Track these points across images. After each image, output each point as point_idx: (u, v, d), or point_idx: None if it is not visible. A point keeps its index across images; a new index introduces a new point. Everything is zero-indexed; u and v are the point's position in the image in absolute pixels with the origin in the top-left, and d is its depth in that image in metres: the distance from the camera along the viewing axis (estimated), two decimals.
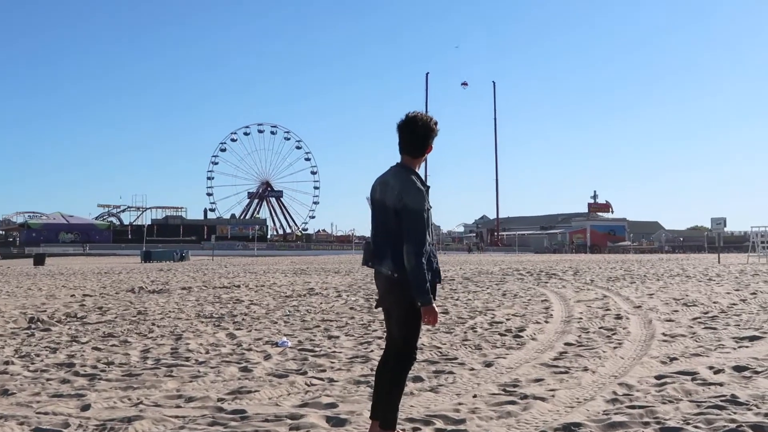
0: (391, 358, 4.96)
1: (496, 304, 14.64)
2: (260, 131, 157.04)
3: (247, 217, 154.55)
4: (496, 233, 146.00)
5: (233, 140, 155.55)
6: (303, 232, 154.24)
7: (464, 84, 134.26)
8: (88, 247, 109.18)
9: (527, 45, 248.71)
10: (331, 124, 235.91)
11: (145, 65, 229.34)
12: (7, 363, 8.41)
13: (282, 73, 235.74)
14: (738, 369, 7.14)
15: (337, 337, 10.26)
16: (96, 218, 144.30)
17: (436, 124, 4.88)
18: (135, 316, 13.42)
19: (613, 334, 9.90)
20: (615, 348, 8.69)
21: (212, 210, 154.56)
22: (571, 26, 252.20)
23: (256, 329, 11.30)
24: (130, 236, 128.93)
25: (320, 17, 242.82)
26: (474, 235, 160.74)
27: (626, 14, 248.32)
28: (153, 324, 12.18)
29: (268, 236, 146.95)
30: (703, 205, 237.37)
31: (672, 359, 7.83)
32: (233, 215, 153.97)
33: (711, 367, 7.26)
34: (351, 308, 14.24)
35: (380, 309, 5.13)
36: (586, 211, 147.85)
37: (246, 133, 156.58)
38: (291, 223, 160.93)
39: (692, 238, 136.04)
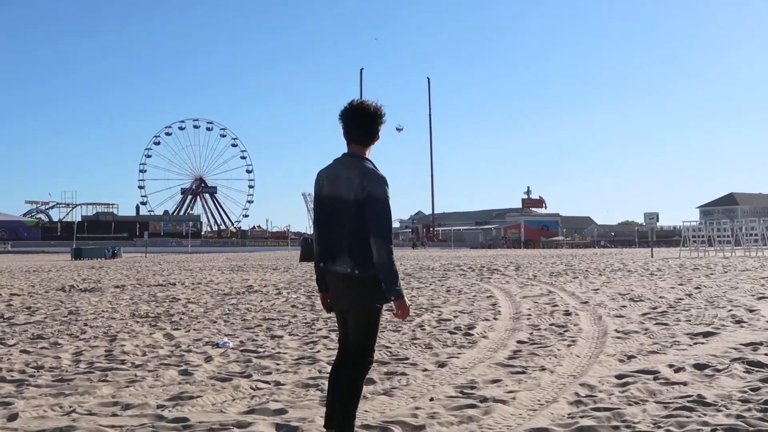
0: (347, 362, 4.62)
1: (441, 300, 14.37)
2: (195, 126, 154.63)
3: (180, 214, 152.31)
4: (431, 229, 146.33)
5: (168, 134, 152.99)
6: (238, 229, 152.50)
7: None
8: (10, 244, 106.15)
9: (462, 42, 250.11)
10: (266, 119, 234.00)
11: (76, 58, 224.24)
12: None
13: (217, 70, 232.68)
14: (698, 367, 6.95)
15: (281, 336, 9.85)
16: (24, 215, 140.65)
17: (383, 110, 4.60)
18: (66, 317, 12.80)
19: (565, 330, 9.69)
20: (569, 346, 8.47)
21: (144, 203, 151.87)
22: (505, 24, 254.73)
23: (194, 329, 10.82)
24: (59, 233, 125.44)
25: (257, 17, 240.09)
26: (410, 230, 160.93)
27: (557, 14, 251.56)
28: (85, 324, 11.61)
29: (203, 233, 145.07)
30: (633, 201, 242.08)
31: (629, 357, 7.62)
32: (166, 211, 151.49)
33: (671, 365, 7.06)
34: (293, 306, 13.82)
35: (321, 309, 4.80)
36: (520, 206, 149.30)
37: (181, 128, 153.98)
38: (226, 220, 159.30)
39: (623, 232, 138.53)
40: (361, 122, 4.56)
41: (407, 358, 7.89)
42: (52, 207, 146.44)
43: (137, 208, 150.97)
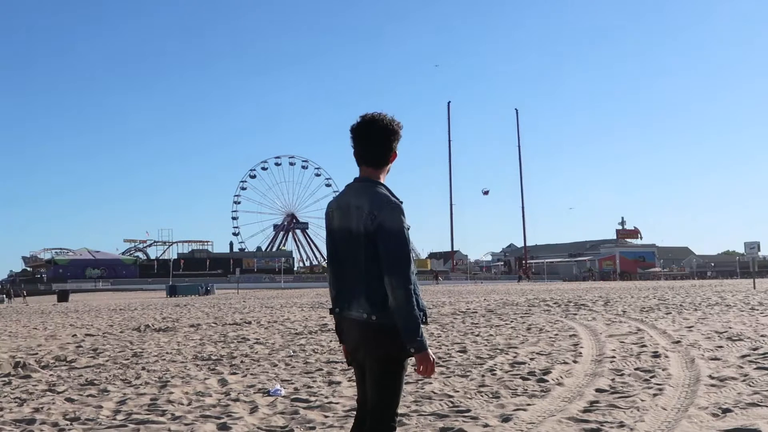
0: (365, 427, 3.84)
1: (519, 340, 13.38)
2: (291, 164, 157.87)
3: (272, 250, 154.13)
4: (524, 261, 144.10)
5: (263, 168, 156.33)
6: None
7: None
8: (100, 282, 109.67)
9: (552, 71, 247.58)
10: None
11: (172, 99, 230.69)
12: None
13: (307, 107, 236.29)
14: None
15: (339, 382, 9.08)
16: (123, 253, 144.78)
17: (399, 125, 3.85)
18: (128, 359, 12.38)
19: (652, 376, 8.60)
20: (655, 395, 7.42)
21: (236, 234, 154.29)
22: (598, 53, 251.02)
23: (252, 374, 10.18)
24: (156, 271, 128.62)
25: (346, 57, 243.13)
26: (502, 263, 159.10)
27: (651, 42, 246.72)
28: (143, 368, 11.11)
29: (295, 268, 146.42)
30: (735, 230, 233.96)
31: (725, 411, 6.50)
32: (259, 248, 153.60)
33: None
34: None
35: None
36: (614, 237, 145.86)
37: (277, 164, 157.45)
38: (318, 255, 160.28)
39: (724, 263, 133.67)
40: (374, 140, 3.82)
41: (469, 410, 7.02)
42: (149, 245, 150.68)
43: (231, 244, 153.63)
